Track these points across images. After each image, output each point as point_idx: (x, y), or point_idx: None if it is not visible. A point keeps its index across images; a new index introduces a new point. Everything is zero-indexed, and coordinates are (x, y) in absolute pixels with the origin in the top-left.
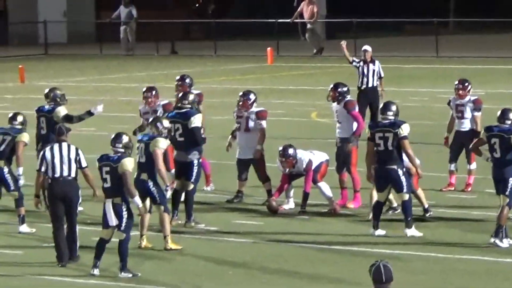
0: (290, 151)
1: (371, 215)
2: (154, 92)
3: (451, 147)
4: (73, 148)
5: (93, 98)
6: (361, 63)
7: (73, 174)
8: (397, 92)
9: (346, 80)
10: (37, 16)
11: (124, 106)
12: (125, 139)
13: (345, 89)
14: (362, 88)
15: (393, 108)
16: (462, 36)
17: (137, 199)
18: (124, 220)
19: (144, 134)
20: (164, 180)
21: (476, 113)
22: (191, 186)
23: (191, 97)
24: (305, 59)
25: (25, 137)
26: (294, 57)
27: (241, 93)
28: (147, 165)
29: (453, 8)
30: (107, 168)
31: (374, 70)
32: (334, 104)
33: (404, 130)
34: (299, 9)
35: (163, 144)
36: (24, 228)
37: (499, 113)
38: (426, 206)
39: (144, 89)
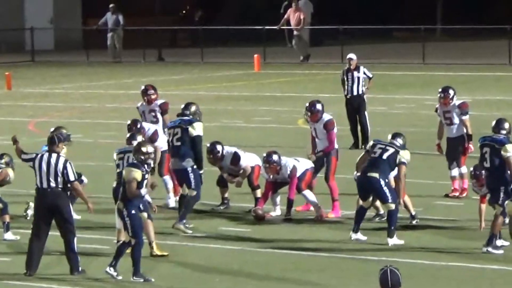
0: (275, 157)
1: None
2: (153, 91)
3: (446, 155)
4: (61, 160)
5: (80, 105)
6: (345, 71)
7: (60, 186)
8: (384, 99)
9: (332, 87)
10: (24, 23)
11: (110, 113)
12: (139, 138)
13: (321, 106)
14: (348, 96)
15: (402, 137)
16: (449, 43)
17: (145, 191)
18: (129, 225)
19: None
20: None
21: (464, 117)
22: (194, 193)
23: (193, 108)
24: (292, 66)
25: (10, 171)
26: (281, 64)
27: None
28: None
29: (440, 15)
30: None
31: (358, 78)
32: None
33: (405, 155)
34: (285, 16)
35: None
36: (8, 235)
37: (493, 123)
38: (413, 213)
39: (143, 87)
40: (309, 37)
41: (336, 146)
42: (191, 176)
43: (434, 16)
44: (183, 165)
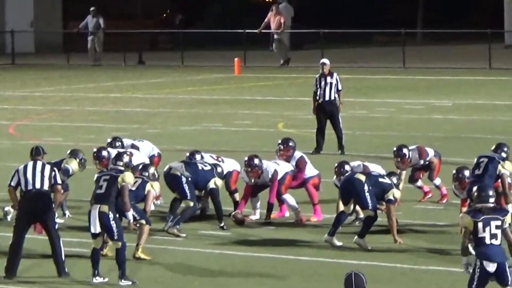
0: (256, 161)
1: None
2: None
3: (410, 179)
4: (48, 166)
5: (60, 108)
6: (318, 78)
7: (45, 187)
8: (365, 103)
9: (312, 91)
10: (4, 26)
11: (91, 116)
12: (125, 158)
13: (294, 144)
14: (320, 101)
15: (397, 177)
16: (430, 47)
17: (130, 214)
18: (114, 229)
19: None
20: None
21: (428, 158)
22: (191, 203)
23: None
24: (272, 69)
25: None
26: (261, 68)
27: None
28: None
29: (421, 19)
30: (107, 177)
31: (331, 83)
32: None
33: (395, 193)
34: (266, 20)
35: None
36: None
37: (494, 146)
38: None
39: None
40: (289, 41)
41: (291, 168)
42: (186, 186)
43: (414, 20)
44: (177, 173)
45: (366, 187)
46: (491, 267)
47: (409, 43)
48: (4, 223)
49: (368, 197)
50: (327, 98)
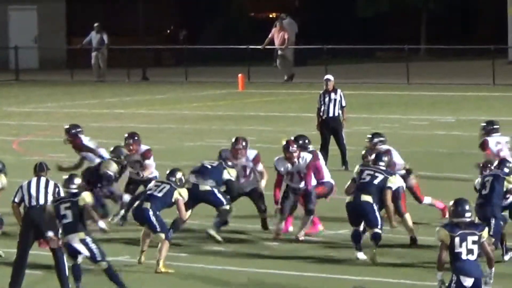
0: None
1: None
2: (136, 138)
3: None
4: (51, 182)
5: (64, 124)
6: (322, 94)
7: (49, 203)
8: (368, 119)
9: (314, 108)
10: (8, 42)
11: (95, 133)
12: (77, 180)
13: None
14: (324, 117)
15: (385, 156)
16: (433, 63)
17: (101, 222)
18: (95, 250)
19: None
20: None
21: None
22: (228, 207)
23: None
24: (276, 85)
25: (2, 178)
26: (265, 84)
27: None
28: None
29: (424, 35)
30: (67, 204)
31: (335, 100)
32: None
33: (392, 180)
34: (270, 36)
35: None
36: None
37: (496, 163)
38: (413, 235)
39: (126, 135)
40: (293, 57)
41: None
42: (218, 194)
43: (417, 36)
44: (207, 188)
45: (375, 207)
46: (468, 282)
47: (412, 59)
48: (8, 238)
49: (378, 216)
50: (331, 114)
